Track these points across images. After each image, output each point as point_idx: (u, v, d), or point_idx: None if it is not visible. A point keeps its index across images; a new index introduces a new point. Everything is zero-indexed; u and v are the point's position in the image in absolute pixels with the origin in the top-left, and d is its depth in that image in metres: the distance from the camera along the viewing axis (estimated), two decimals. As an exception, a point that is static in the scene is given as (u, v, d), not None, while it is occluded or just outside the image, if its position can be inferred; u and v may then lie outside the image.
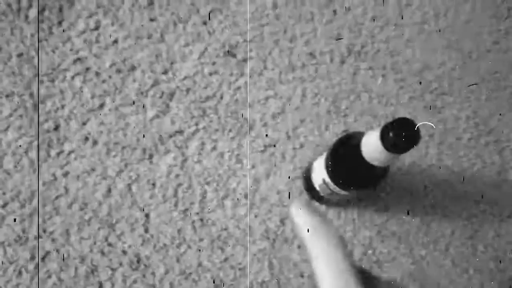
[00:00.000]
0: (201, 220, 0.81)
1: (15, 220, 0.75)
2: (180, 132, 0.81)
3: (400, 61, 0.91)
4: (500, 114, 0.96)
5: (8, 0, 0.77)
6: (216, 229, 0.80)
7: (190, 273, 0.79)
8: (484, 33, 0.98)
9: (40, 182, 0.76)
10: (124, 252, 0.78)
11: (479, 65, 0.97)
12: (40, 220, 0.76)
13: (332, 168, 0.62)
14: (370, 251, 0.85)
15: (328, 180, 0.66)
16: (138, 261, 0.78)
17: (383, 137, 0.48)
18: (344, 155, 0.59)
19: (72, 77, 0.78)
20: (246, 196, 0.82)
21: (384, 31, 0.92)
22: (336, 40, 0.90)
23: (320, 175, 0.67)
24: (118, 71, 0.80)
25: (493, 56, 0.96)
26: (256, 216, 0.82)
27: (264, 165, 0.83)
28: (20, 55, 0.77)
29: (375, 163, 0.51)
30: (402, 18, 0.94)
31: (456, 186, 0.91)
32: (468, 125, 0.94)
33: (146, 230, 0.79)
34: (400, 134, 0.46)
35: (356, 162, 0.54)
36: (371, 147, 0.50)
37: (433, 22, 0.95)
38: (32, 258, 0.75)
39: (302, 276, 0.82)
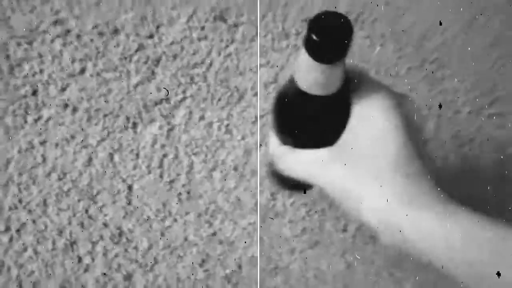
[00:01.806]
0: (188, 192, 0.77)
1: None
2: (167, 99, 0.77)
3: (399, 29, 0.87)
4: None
5: (-17, -45, 0.73)
6: (203, 202, 0.77)
7: (176, 248, 0.76)
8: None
9: (16, 150, 0.73)
10: (105, 225, 0.74)
11: (486, 31, 0.93)
12: (16, 189, 0.72)
13: (280, 129, 0.48)
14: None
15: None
16: (120, 235, 0.75)
17: (308, 45, 0.37)
18: (286, 106, 0.46)
19: (52, 40, 0.74)
20: (235, 168, 0.78)
21: (383, -3, 0.89)
22: (332, 7, 0.86)
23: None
24: (101, 34, 0.76)
25: (500, 21, 0.93)
26: (245, 190, 0.78)
27: (255, 136, 0.79)
28: (-5, 14, 0.72)
29: (316, 90, 0.40)
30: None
31: (455, 162, 0.87)
32: (468, 98, 0.90)
33: (129, 202, 0.75)
34: (326, 33, 0.36)
35: (301, 107, 0.43)
36: (302, 67, 0.39)
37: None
38: (7, 229, 0.72)
39: (293, 252, 0.79)
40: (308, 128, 0.46)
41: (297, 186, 0.58)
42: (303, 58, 0.39)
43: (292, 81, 0.43)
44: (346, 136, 0.40)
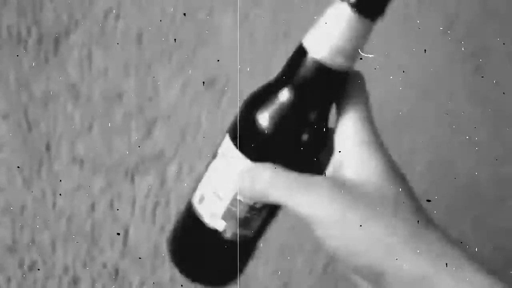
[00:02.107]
0: (176, 237, 0.90)
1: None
2: (161, 155, 0.91)
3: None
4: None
5: (10, 29, 0.85)
6: (189, 246, 0.90)
7: (164, 285, 0.89)
8: (439, 73, 1.10)
9: (30, 198, 0.85)
10: (104, 265, 0.87)
11: (436, 100, 1.08)
12: (29, 232, 0.85)
13: (258, 134, 0.38)
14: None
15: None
16: (116, 273, 0.87)
17: None
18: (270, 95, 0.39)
19: (65, 102, 0.87)
20: (217, 217, 0.92)
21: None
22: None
23: (226, 184, 0.40)
24: (107, 98, 0.89)
25: (448, 95, 1.08)
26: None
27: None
28: (17, 80, 0.85)
29: (340, 59, 0.35)
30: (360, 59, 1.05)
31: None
32: (422, 156, 1.05)
33: (125, 245, 0.88)
34: None
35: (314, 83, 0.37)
36: (332, 25, 0.34)
37: (393, 61, 1.06)
38: (20, 266, 0.84)
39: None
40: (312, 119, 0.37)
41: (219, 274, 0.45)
42: (336, 13, 0.33)
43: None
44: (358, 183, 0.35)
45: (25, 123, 0.90)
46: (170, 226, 0.96)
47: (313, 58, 0.36)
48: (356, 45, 0.35)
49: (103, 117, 0.94)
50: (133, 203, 0.93)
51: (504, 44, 1.18)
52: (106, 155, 0.93)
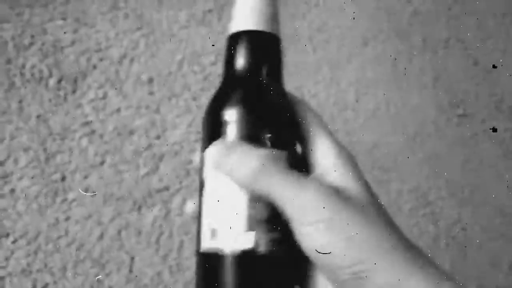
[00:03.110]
0: (178, 265, 0.97)
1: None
2: (166, 188, 0.98)
3: (355, 141, 1.10)
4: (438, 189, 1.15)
5: (33, 69, 0.94)
6: (190, 274, 0.97)
7: (166, 310, 0.95)
8: (428, 121, 1.18)
9: (45, 224, 0.92)
10: (112, 288, 0.94)
11: (422, 147, 1.16)
12: (43, 256, 0.91)
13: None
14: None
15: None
16: (122, 297, 0.94)
17: None
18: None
19: (80, 137, 0.95)
20: (217, 247, 0.98)
21: (343, 113, 1.11)
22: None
23: (234, 195, 0.38)
24: (119, 134, 0.96)
25: (433, 141, 1.16)
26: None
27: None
28: (38, 116, 0.93)
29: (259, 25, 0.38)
30: (357, 102, 1.14)
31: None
32: (409, 197, 1.12)
33: (131, 271, 0.95)
34: None
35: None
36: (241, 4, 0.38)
37: (384, 109, 1.14)
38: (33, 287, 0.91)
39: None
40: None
41: None
42: None
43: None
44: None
45: (43, 156, 0.98)
46: (173, 255, 1.03)
47: (237, 31, 0.39)
48: (269, 15, 0.38)
49: (114, 152, 1.02)
50: (139, 232, 1.00)
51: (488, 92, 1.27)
52: (116, 187, 1.01)
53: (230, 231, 0.37)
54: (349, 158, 0.39)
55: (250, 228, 0.37)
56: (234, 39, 0.39)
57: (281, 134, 0.38)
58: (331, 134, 0.40)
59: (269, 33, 0.38)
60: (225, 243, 0.38)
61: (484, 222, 1.25)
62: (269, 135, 0.37)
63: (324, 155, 0.38)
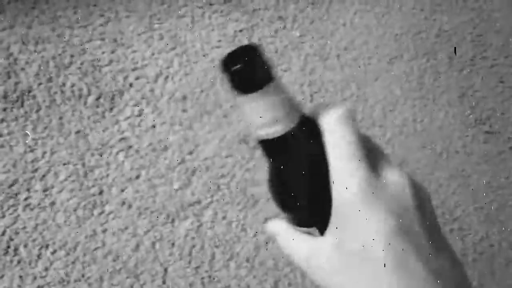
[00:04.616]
0: (209, 277, 0.98)
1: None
2: (198, 202, 1.00)
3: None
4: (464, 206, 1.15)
5: (73, 87, 0.97)
6: (220, 286, 0.98)
7: (198, 320, 0.96)
8: (454, 138, 1.18)
9: (83, 236, 0.94)
10: (146, 299, 0.95)
11: (448, 163, 1.16)
12: (80, 266, 0.93)
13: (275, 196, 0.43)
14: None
15: None
16: (156, 307, 0.95)
17: (231, 83, 0.36)
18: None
19: (117, 153, 0.97)
20: (247, 260, 0.99)
21: (370, 130, 1.12)
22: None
23: None
24: (154, 150, 0.99)
25: (460, 158, 1.16)
26: (254, 277, 0.99)
27: (264, 235, 1.01)
28: (77, 132, 0.96)
29: (266, 130, 0.37)
30: (384, 119, 1.14)
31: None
32: (437, 213, 1.12)
33: (164, 282, 0.96)
34: (237, 61, 0.34)
35: (268, 159, 0.40)
36: (243, 113, 0.38)
37: (411, 126, 1.14)
38: (71, 297, 0.93)
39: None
40: (280, 186, 0.40)
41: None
42: (238, 102, 0.36)
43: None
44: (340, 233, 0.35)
45: (82, 170, 1.01)
46: (205, 267, 1.04)
47: (257, 137, 0.38)
48: (265, 113, 0.36)
49: (149, 167, 1.04)
50: (173, 244, 1.02)
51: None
52: (150, 200, 1.03)
53: None
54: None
55: None
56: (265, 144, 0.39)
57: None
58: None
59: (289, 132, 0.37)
60: None
61: (511, 237, 1.24)
62: None
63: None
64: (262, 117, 0.36)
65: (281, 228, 0.42)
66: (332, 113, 0.38)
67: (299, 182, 0.38)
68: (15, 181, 0.98)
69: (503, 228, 1.24)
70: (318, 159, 0.37)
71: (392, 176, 0.37)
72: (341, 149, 0.36)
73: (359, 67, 1.21)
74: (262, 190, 1.09)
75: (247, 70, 0.34)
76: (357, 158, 0.35)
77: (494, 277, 1.20)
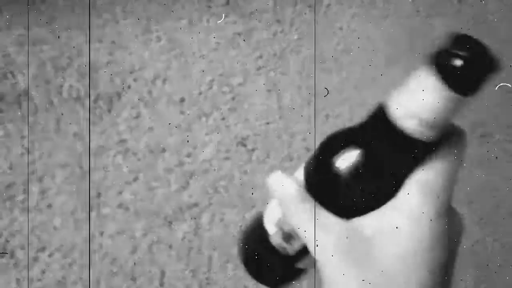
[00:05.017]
0: (207, 279, 0.98)
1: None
2: (196, 205, 1.00)
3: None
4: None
5: (70, 89, 0.96)
6: (218, 288, 0.98)
7: (195, 323, 0.96)
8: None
9: (80, 238, 0.93)
10: (143, 301, 0.95)
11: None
12: (77, 269, 0.93)
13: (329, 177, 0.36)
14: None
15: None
16: (153, 309, 0.95)
17: (445, 71, 0.30)
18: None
19: (114, 155, 0.97)
20: (245, 262, 0.99)
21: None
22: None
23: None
24: (151, 152, 0.98)
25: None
26: (251, 279, 0.99)
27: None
28: (75, 134, 0.96)
29: (424, 132, 0.32)
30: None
31: None
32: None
33: (161, 284, 0.96)
34: (470, 56, 0.29)
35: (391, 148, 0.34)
36: (419, 97, 0.31)
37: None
38: (68, 300, 0.92)
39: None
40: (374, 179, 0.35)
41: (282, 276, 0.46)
42: (429, 87, 0.31)
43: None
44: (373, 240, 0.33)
45: (79, 172, 1.00)
46: (202, 269, 1.03)
47: (397, 124, 0.33)
48: (444, 118, 0.32)
49: (147, 169, 1.04)
50: (170, 246, 1.02)
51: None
52: (148, 203, 1.02)
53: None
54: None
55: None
56: (389, 127, 0.35)
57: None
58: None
59: (427, 142, 0.34)
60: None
61: (505, 240, 1.25)
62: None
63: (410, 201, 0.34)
64: (432, 116, 0.31)
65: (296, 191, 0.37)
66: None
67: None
68: (12, 183, 0.97)
69: (497, 230, 1.24)
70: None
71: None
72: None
73: (356, 70, 1.21)
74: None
75: (478, 71, 0.30)
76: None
77: (488, 278, 1.20)
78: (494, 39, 1.29)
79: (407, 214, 0.32)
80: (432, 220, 0.31)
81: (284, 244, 0.40)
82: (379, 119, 0.34)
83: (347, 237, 0.33)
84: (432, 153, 0.34)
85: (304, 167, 0.39)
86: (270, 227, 0.41)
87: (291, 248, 0.40)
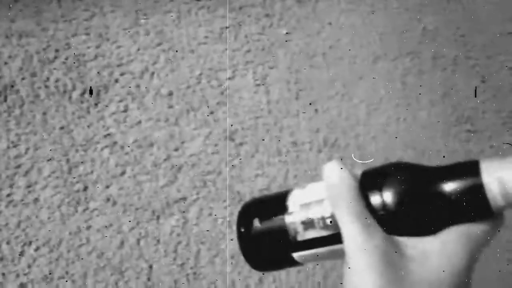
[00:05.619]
0: (194, 273, 0.97)
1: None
2: (184, 199, 0.99)
3: (366, 154, 1.10)
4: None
5: (57, 83, 0.95)
6: (206, 282, 0.97)
7: (183, 317, 0.95)
8: (436, 137, 1.18)
9: (67, 233, 0.92)
10: (130, 296, 0.94)
11: (431, 162, 1.16)
12: (64, 263, 0.91)
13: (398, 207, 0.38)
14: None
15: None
16: (140, 304, 0.94)
17: None
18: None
19: (102, 149, 0.96)
20: (232, 256, 0.98)
21: (354, 128, 1.12)
22: (315, 133, 1.09)
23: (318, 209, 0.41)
24: (139, 146, 0.97)
25: (442, 156, 1.16)
26: (239, 274, 0.98)
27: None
28: (61, 127, 0.95)
29: (502, 202, 0.34)
30: (368, 117, 1.14)
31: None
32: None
33: (149, 279, 0.95)
34: None
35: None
36: None
37: (395, 124, 1.15)
38: (54, 295, 0.91)
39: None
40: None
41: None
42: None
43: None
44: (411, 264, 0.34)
45: (66, 166, 0.99)
46: (190, 263, 1.03)
47: (482, 187, 0.34)
48: None
49: (134, 163, 1.02)
50: (158, 241, 1.01)
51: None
52: (136, 197, 1.01)
53: None
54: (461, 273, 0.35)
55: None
56: (476, 192, 0.36)
57: None
58: (473, 248, 0.36)
59: (493, 213, 0.36)
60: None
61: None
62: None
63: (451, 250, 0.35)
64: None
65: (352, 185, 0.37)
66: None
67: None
68: (-2, 177, 0.96)
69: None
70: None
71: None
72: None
73: (344, 66, 1.21)
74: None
75: None
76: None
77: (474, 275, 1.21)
78: (483, 36, 1.30)
79: (444, 253, 0.34)
80: (459, 267, 0.34)
81: (299, 228, 0.40)
82: (467, 172, 0.35)
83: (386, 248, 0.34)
84: (487, 218, 0.35)
85: (363, 173, 0.40)
86: (293, 206, 0.40)
87: (303, 235, 0.40)
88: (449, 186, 0.35)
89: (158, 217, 1.02)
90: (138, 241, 1.00)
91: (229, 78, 1.11)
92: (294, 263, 0.42)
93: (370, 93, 1.21)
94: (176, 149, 1.05)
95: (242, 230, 0.44)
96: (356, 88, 1.20)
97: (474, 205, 0.35)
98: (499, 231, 0.36)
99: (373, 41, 1.25)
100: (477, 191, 0.34)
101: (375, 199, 0.37)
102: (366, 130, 1.18)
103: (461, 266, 0.34)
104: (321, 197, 0.39)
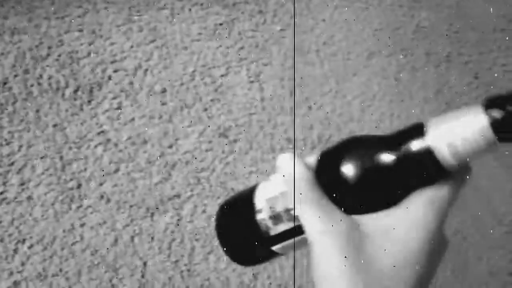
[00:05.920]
0: (188, 270, 0.97)
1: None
2: (178, 196, 0.98)
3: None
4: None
5: (50, 80, 0.94)
6: (200, 279, 0.97)
7: (177, 314, 0.95)
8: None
9: (61, 230, 0.92)
10: (125, 293, 0.94)
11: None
12: (58, 261, 0.91)
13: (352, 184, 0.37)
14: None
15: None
16: (135, 301, 0.94)
17: (500, 125, 0.32)
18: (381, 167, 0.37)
19: (95, 146, 0.95)
20: (227, 254, 0.98)
21: (348, 125, 1.12)
22: (309, 130, 1.08)
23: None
24: (133, 143, 0.97)
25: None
26: (234, 271, 0.98)
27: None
28: (55, 125, 0.94)
29: (455, 161, 0.34)
30: (362, 114, 1.14)
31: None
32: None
33: (143, 276, 0.95)
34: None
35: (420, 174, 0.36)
36: (464, 133, 0.33)
37: (388, 121, 1.15)
38: (48, 292, 0.90)
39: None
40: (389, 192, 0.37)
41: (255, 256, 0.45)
42: (477, 131, 0.32)
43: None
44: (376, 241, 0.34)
45: (59, 163, 0.98)
46: (184, 260, 1.02)
47: (430, 150, 0.34)
48: (475, 157, 0.34)
49: (128, 160, 1.02)
50: (152, 238, 1.00)
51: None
52: (129, 194, 1.01)
53: None
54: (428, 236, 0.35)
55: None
56: (421, 149, 0.36)
57: None
58: (438, 210, 0.36)
59: (448, 171, 0.36)
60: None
61: (484, 231, 1.26)
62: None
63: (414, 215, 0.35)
64: (468, 152, 0.33)
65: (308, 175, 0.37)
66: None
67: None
68: (-9, 175, 0.95)
69: (476, 222, 1.25)
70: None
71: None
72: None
73: (338, 62, 1.20)
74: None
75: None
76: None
77: (467, 270, 1.21)
78: (476, 33, 1.30)
79: (409, 221, 0.34)
80: (429, 232, 0.34)
81: (269, 223, 0.40)
82: (414, 137, 0.35)
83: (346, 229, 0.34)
84: (444, 178, 0.35)
85: (320, 155, 0.40)
86: (260, 203, 0.41)
87: (274, 229, 0.40)
88: (399, 153, 0.35)
89: (152, 214, 1.01)
90: (132, 238, 1.00)
91: (223, 75, 1.10)
92: (277, 254, 0.43)
93: (364, 90, 1.21)
94: (170, 146, 1.05)
95: (221, 232, 0.44)
96: (349, 85, 1.20)
97: (427, 169, 0.34)
98: (464, 186, 0.36)
99: (367, 37, 1.24)
100: (427, 155, 0.34)
101: (333, 180, 0.37)
102: (359, 127, 1.18)
103: (430, 229, 0.34)
104: (283, 189, 0.39)
